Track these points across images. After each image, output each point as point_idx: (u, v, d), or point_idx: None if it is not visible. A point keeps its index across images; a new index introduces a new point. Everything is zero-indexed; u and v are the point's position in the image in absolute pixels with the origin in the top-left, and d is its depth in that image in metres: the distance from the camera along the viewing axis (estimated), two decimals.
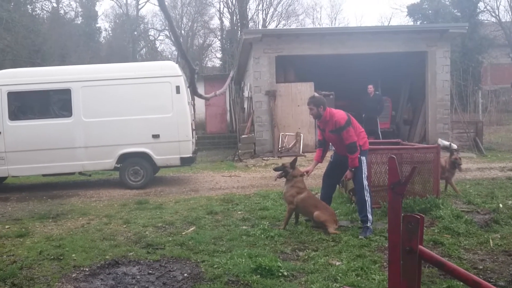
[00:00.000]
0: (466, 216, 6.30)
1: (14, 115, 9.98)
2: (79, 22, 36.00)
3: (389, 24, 38.99)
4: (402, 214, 2.27)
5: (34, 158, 9.86)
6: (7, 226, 6.85)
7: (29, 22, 25.40)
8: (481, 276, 4.26)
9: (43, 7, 32.38)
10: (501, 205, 6.97)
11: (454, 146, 14.44)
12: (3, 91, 9.85)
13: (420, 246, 2.22)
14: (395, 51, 15.06)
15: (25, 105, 10.18)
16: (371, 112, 14.31)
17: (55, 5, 34.04)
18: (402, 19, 53.41)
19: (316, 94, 6.41)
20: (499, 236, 5.58)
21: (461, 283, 3.94)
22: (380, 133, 14.44)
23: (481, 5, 29.04)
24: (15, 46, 23.59)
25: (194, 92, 2.63)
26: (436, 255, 2.29)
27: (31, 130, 9.89)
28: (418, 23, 28.60)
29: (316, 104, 5.99)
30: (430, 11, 28.37)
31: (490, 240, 5.39)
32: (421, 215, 2.24)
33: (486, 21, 30.45)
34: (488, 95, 22.90)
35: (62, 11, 35.28)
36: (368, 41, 14.77)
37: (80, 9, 36.52)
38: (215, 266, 4.70)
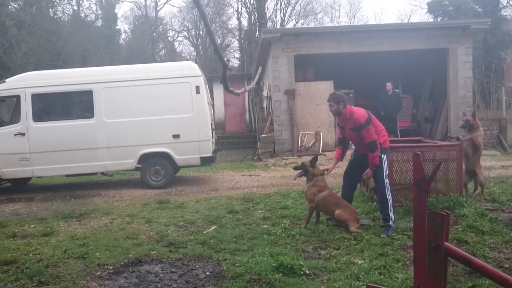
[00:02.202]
0: (490, 214, 6.20)
1: (38, 116, 10.16)
2: (99, 25, 36.59)
3: (409, 21, 38.57)
4: (427, 211, 2.25)
5: (57, 158, 10.03)
6: (32, 226, 6.98)
7: (51, 25, 25.88)
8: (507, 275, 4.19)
9: (64, 10, 33.00)
10: None
11: None
12: (27, 93, 10.04)
13: (446, 243, 2.20)
14: (416, 48, 14.88)
15: (49, 106, 10.37)
16: (389, 110, 14.15)
17: (76, 8, 34.66)
18: (422, 16, 52.90)
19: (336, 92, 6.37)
20: None
21: (487, 282, 3.90)
22: (398, 131, 14.28)
23: (503, 0, 28.53)
24: (37, 49, 24.04)
25: (225, 88, 2.63)
26: (462, 251, 2.27)
27: (54, 131, 10.06)
28: (439, 19, 28.23)
29: (336, 101, 5.96)
30: (450, 7, 27.99)
31: None
32: (447, 211, 2.21)
33: (509, 17, 29.89)
34: (511, 92, 22.45)
35: (82, 14, 35.96)
36: (388, 39, 14.64)
37: (100, 12, 37.13)
38: (237, 264, 4.71)
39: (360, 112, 5.93)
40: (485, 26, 15.10)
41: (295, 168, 6.52)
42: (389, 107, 14.14)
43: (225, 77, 2.22)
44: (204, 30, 39.57)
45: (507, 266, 4.53)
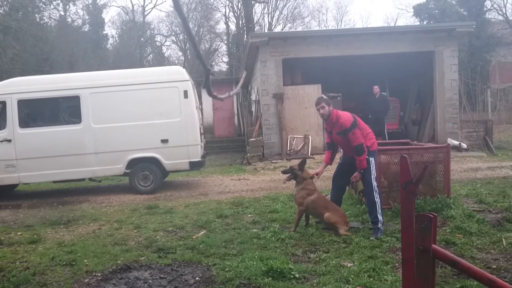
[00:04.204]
0: (478, 216, 6.26)
1: (24, 122, 10.06)
2: (86, 30, 36.29)
3: (395, 25, 38.90)
4: (415, 213, 2.26)
5: (44, 165, 9.93)
6: (19, 233, 6.89)
7: (37, 31, 25.67)
8: (494, 276, 4.22)
9: (51, 16, 32.75)
10: None
11: (464, 145, 14.38)
12: (13, 99, 9.94)
13: (434, 245, 2.21)
14: (402, 51, 15.01)
15: (35, 112, 10.26)
16: (377, 113, 14.25)
17: (62, 13, 34.39)
18: (408, 20, 53.22)
19: (323, 96, 6.40)
20: None
21: (475, 283, 3.93)
22: (386, 134, 14.37)
23: (488, 3, 28.93)
24: (24, 55, 23.83)
25: (208, 93, 2.61)
26: (450, 253, 2.28)
27: (41, 137, 9.96)
28: (425, 23, 28.51)
29: (327, 102, 5.99)
30: (436, 11, 28.28)
31: (503, 239, 5.34)
32: (434, 214, 2.23)
33: (493, 20, 30.30)
34: (497, 93, 22.74)
35: (69, 19, 35.65)
36: (375, 42, 14.74)
37: (87, 17, 36.82)
38: (227, 269, 4.69)
39: (346, 116, 5.96)
40: (470, 29, 15.29)
41: (284, 172, 6.53)
42: (377, 110, 14.24)
43: (208, 83, 2.23)
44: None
45: (494, 267, 4.57)
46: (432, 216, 2.18)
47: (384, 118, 14.41)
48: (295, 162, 7.14)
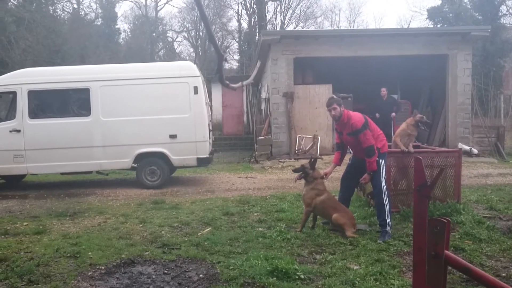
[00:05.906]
0: (488, 222, 6.16)
1: (34, 113, 10.08)
2: (99, 23, 36.44)
3: (409, 27, 38.61)
4: (428, 218, 2.19)
5: (52, 156, 9.94)
6: (25, 223, 6.90)
7: (50, 23, 25.75)
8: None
9: (64, 8, 32.88)
10: None
11: (475, 150, 14.22)
12: (23, 89, 9.96)
13: (446, 251, 2.13)
14: (415, 53, 14.86)
15: (45, 103, 10.28)
16: (385, 115, 14.13)
17: (75, 6, 34.56)
18: (421, 22, 53.03)
19: (334, 96, 6.33)
20: None
21: None
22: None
23: (503, 8, 28.61)
24: (36, 46, 23.90)
25: (221, 80, 2.56)
26: (463, 260, 2.20)
27: (50, 129, 9.98)
28: (438, 26, 28.26)
29: (339, 103, 5.91)
30: (450, 14, 28.01)
31: None
32: (448, 218, 2.15)
33: (508, 25, 29.96)
34: (509, 99, 22.47)
35: (82, 12, 35.81)
36: (388, 44, 14.61)
37: (100, 11, 36.98)
38: (231, 267, 4.64)
39: (357, 117, 5.88)
40: (485, 33, 15.09)
41: (295, 170, 6.44)
42: (384, 112, 14.11)
43: (221, 69, 2.17)
44: (204, 30, 39.48)
45: (504, 275, 4.47)
46: (446, 221, 2.11)
47: (391, 121, 14.27)
48: (304, 162, 7.05)
